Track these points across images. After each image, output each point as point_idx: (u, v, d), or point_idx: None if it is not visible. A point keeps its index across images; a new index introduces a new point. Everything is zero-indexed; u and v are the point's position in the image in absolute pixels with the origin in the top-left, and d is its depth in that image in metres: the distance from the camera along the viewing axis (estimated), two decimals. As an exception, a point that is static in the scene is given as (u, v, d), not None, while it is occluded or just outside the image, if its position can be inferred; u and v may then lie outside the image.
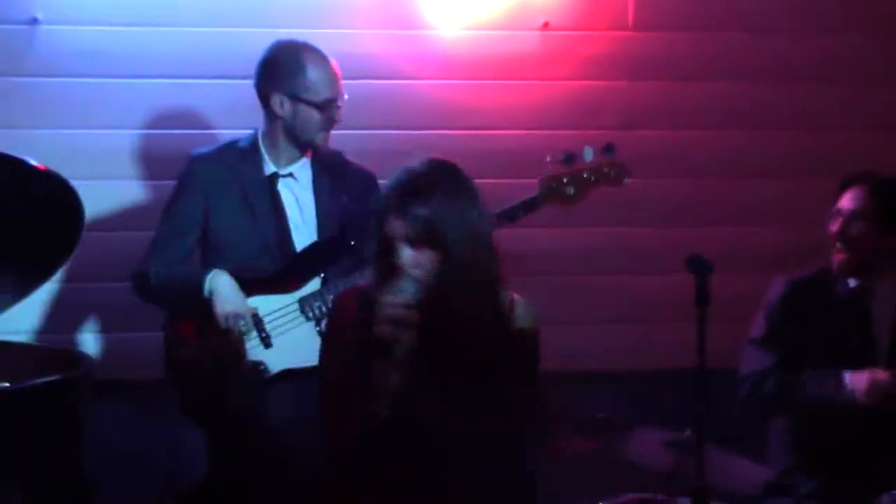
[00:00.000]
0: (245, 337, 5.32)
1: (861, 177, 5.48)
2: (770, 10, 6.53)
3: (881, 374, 5.26)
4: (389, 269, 4.15)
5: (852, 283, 5.51)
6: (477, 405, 4.18)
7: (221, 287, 5.26)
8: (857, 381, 5.25)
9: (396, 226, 4.10)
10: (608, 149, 5.36)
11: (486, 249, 4.22)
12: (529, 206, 5.34)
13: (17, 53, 6.05)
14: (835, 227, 5.43)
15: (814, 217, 5.73)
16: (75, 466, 5.06)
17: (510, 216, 5.31)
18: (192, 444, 5.66)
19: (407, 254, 4.09)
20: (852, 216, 5.42)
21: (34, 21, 6.03)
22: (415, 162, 4.19)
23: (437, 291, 4.14)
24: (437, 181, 4.15)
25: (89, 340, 6.16)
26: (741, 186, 6.52)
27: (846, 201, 5.43)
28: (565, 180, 5.31)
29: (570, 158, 5.30)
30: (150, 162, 6.11)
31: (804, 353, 5.47)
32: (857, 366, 5.36)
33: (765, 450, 5.56)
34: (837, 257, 5.44)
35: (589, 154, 5.32)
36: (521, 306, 4.33)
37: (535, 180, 5.57)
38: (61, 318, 6.12)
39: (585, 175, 5.32)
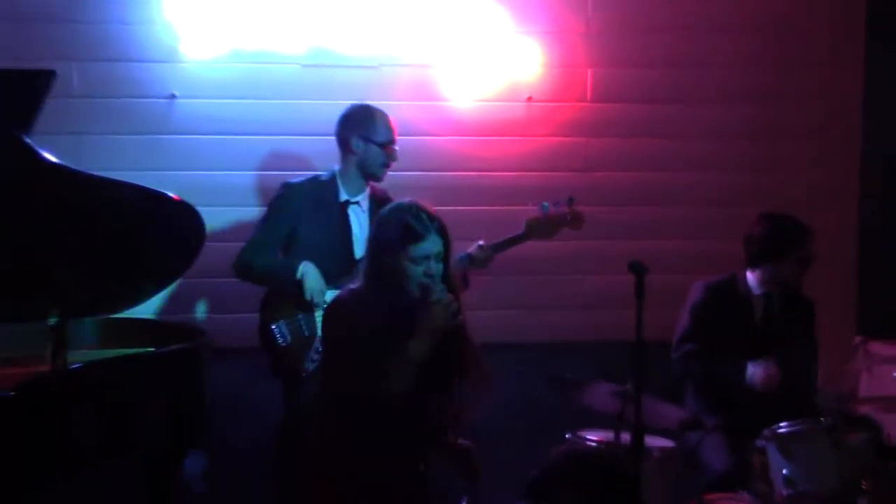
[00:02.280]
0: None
1: (808, 230, 5.53)
2: (695, 84, 6.51)
3: (774, 370, 5.38)
4: (418, 278, 4.16)
5: (758, 290, 5.64)
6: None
7: (311, 273, 5.34)
8: (756, 374, 5.39)
9: (438, 243, 4.17)
10: (570, 201, 5.51)
11: None
12: (518, 240, 5.50)
13: (161, 119, 6.08)
14: (804, 269, 5.57)
15: (720, 235, 6.04)
16: (202, 407, 5.11)
17: (504, 246, 5.46)
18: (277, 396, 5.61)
19: (439, 266, 4.19)
20: (811, 262, 5.56)
21: (172, 96, 6.07)
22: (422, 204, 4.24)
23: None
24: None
25: (202, 318, 6.19)
26: (669, 212, 6.52)
27: (809, 251, 5.52)
28: (542, 223, 5.49)
29: (545, 207, 5.47)
30: (254, 194, 6.15)
31: (720, 340, 5.56)
32: (759, 348, 5.50)
33: (682, 398, 5.66)
34: (794, 285, 5.64)
35: (558, 205, 5.49)
36: None
37: (518, 207, 5.69)
38: (184, 302, 6.16)
39: (556, 220, 5.49)
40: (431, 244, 4.15)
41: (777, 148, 6.62)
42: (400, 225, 4.17)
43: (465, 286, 5.09)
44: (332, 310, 4.39)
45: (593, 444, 5.25)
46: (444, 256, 4.21)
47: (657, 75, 6.51)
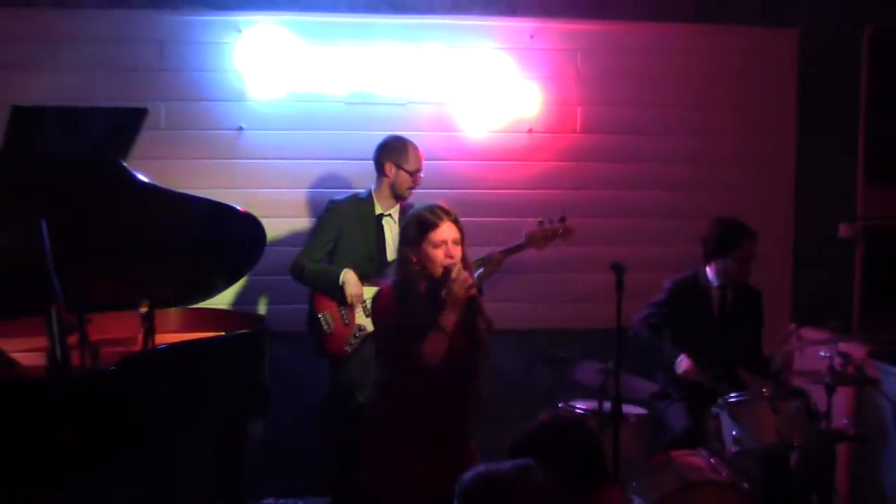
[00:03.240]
0: (359, 310, 5.41)
1: (746, 232, 5.55)
2: (663, 121, 6.48)
3: (691, 366, 5.37)
4: (441, 260, 4.15)
5: (715, 283, 5.64)
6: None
7: (350, 279, 5.37)
8: (681, 363, 5.40)
9: (453, 230, 4.17)
10: (562, 219, 5.51)
11: None
12: (518, 248, 5.49)
13: (231, 147, 6.14)
14: (743, 266, 5.56)
15: (684, 242, 5.97)
16: (262, 381, 5.15)
17: (508, 253, 5.46)
18: (321, 373, 5.67)
19: (457, 249, 4.18)
20: (750, 259, 5.56)
21: (240, 129, 6.13)
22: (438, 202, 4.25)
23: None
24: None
25: (263, 309, 6.20)
26: (645, 223, 6.49)
27: (748, 248, 5.53)
28: (538, 235, 5.48)
29: (542, 223, 5.47)
30: (306, 208, 6.18)
31: (685, 324, 5.57)
32: (703, 332, 5.54)
33: (653, 374, 5.61)
34: (739, 279, 5.62)
35: (552, 221, 5.48)
36: None
37: (523, 218, 5.70)
38: (248, 295, 6.20)
39: (550, 233, 5.48)
40: (447, 230, 4.16)
41: (730, 172, 6.58)
42: (419, 219, 4.20)
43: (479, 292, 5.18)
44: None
45: (580, 411, 5.27)
46: (461, 243, 4.21)
47: (633, 113, 6.50)
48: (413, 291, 4.22)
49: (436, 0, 6.30)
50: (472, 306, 4.19)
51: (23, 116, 4.31)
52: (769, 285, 6.08)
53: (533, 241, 5.54)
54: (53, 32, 6.00)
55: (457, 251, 4.20)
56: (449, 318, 4.13)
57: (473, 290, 4.16)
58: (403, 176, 5.51)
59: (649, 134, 6.54)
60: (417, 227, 4.21)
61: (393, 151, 5.53)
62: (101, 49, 6.02)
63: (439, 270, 4.18)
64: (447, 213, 4.23)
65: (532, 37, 6.39)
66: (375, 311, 4.42)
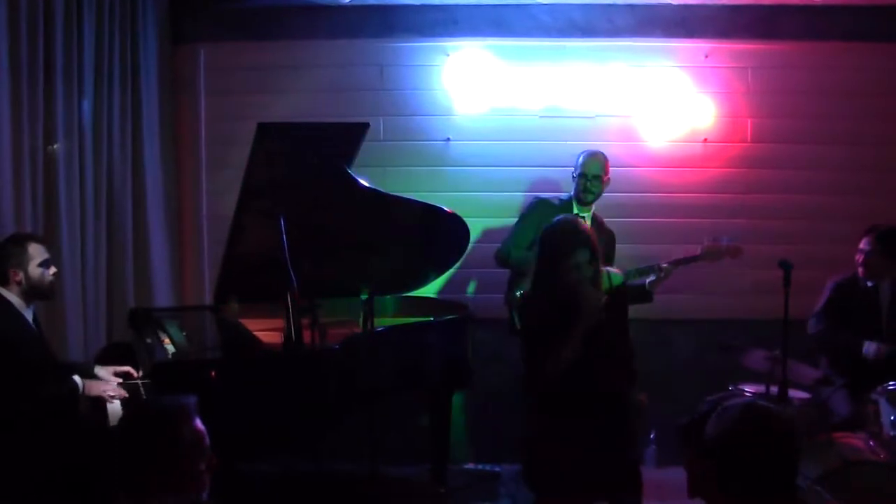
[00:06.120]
0: None
1: (872, 229, 5.40)
2: (824, 131, 6.23)
3: (883, 347, 5.23)
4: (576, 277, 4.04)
5: (870, 283, 5.42)
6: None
7: None
8: (870, 349, 5.24)
9: (586, 253, 4.00)
10: (733, 238, 5.36)
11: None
12: (692, 260, 5.31)
13: (439, 156, 6.21)
14: (859, 257, 5.41)
15: (847, 240, 5.66)
16: (464, 359, 5.19)
17: (681, 263, 5.26)
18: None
19: (588, 269, 4.03)
20: (867, 254, 5.38)
21: (448, 140, 6.19)
22: (579, 224, 4.12)
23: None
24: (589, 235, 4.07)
25: (470, 296, 6.17)
26: (812, 224, 6.23)
27: (864, 244, 5.40)
28: (713, 251, 5.31)
29: (716, 240, 5.31)
30: (504, 209, 6.09)
31: (844, 321, 5.42)
32: (870, 329, 5.33)
33: (817, 362, 5.48)
34: (861, 272, 5.43)
35: (724, 240, 5.32)
36: (605, 272, 4.18)
37: (700, 220, 5.76)
38: (455, 286, 6.20)
39: (724, 250, 5.29)
40: (581, 255, 4.04)
41: (883, 178, 6.28)
42: (559, 240, 4.12)
43: (650, 299, 5.12)
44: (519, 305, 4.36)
45: (748, 394, 5.12)
46: (592, 262, 4.05)
47: (798, 124, 6.29)
48: (546, 302, 4.13)
49: (620, 24, 6.25)
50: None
51: (266, 132, 4.52)
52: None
53: (708, 255, 5.37)
54: (292, 60, 6.23)
55: (589, 271, 4.07)
56: (578, 332, 4.01)
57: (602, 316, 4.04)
58: (578, 181, 5.49)
59: (809, 143, 6.32)
60: (559, 246, 4.11)
61: (577, 161, 5.53)
62: (331, 73, 6.21)
63: (572, 288, 4.07)
64: (582, 234, 4.13)
65: (707, 56, 6.29)
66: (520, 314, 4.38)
